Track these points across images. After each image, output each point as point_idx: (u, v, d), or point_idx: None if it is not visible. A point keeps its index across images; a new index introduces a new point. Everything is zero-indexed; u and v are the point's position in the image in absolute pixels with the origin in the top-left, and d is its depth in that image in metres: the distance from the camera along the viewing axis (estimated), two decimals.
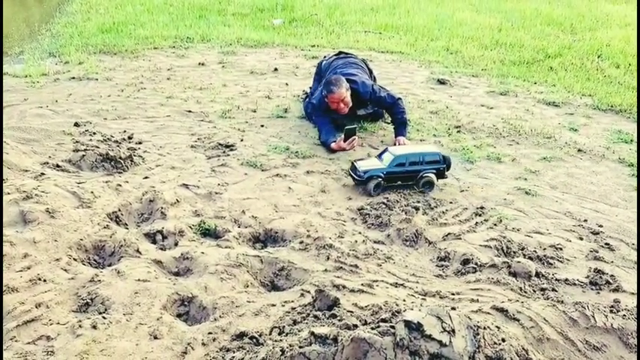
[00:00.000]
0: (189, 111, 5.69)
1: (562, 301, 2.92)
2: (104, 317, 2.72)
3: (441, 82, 7.07)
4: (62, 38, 8.51)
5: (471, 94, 6.73)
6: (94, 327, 2.64)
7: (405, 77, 7.29)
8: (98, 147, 4.61)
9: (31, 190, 3.73)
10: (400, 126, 5.17)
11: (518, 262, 3.21)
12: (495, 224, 3.83)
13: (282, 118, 5.66)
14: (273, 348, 2.36)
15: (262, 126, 5.44)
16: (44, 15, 10.33)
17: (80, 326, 2.64)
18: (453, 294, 3.05)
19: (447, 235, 3.64)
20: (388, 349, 2.30)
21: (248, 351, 2.52)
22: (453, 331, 2.35)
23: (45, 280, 2.95)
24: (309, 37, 9.26)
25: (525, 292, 3.04)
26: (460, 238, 3.62)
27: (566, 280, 3.19)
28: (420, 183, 4.19)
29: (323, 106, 5.16)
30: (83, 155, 4.40)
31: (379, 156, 4.29)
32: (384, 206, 3.96)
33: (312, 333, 2.40)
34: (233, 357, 2.49)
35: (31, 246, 3.21)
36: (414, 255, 3.48)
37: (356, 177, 4.14)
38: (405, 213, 3.82)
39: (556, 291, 3.08)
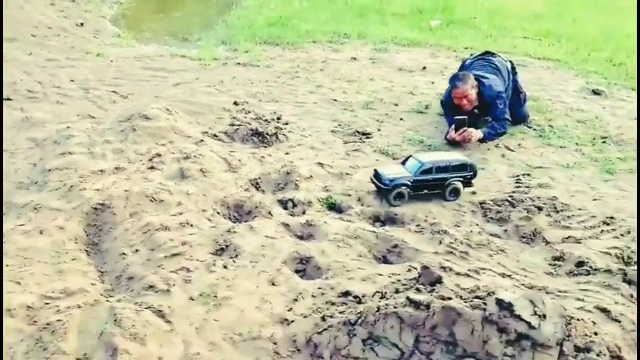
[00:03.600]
0: (335, 100, 6.09)
1: None
2: (234, 261, 3.16)
3: (596, 92, 6.77)
4: (235, 29, 9.38)
5: (627, 107, 6.38)
6: (225, 267, 3.09)
7: (558, 85, 7.08)
8: (250, 123, 5.15)
9: (191, 152, 4.34)
10: (490, 129, 5.10)
11: (634, 269, 3.14)
12: (623, 234, 3.71)
13: (421, 114, 5.84)
14: (371, 305, 2.61)
15: (401, 119, 5.67)
16: (222, 7, 11.38)
17: (214, 264, 3.11)
18: (559, 291, 3.06)
19: (567, 238, 3.62)
20: (476, 321, 2.45)
21: (349, 307, 2.80)
22: (544, 316, 2.44)
23: (192, 225, 3.48)
24: (464, 39, 9.27)
25: (638, 299, 2.97)
26: (580, 242, 3.58)
27: None
28: (447, 191, 4.03)
29: (450, 103, 5.25)
30: (237, 129, 4.97)
31: (403, 162, 4.18)
32: (507, 203, 4.01)
33: (408, 297, 2.62)
34: (336, 309, 2.78)
35: (185, 197, 3.77)
36: (529, 252, 3.52)
37: (381, 185, 3.98)
38: (528, 212, 3.84)
39: None
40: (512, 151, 5.05)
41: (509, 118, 5.20)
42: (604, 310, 2.78)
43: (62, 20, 8.66)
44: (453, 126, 4.96)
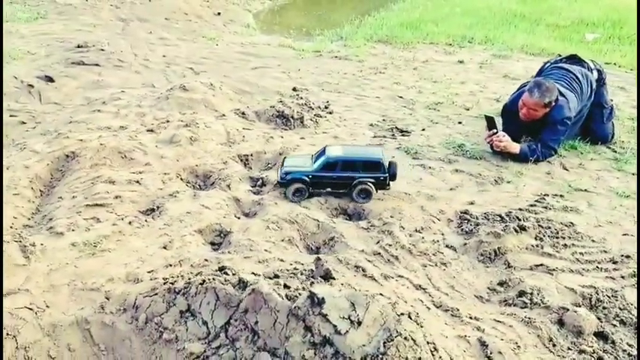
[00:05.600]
0: (400, 97, 5.72)
1: None
2: (146, 220, 3.14)
3: None
4: (363, 27, 9.32)
5: None
6: (130, 223, 3.08)
7: None
8: (290, 107, 5.06)
9: (200, 123, 4.40)
10: (530, 150, 4.29)
11: (575, 311, 2.45)
12: (623, 277, 2.92)
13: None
14: (198, 278, 2.40)
15: (459, 122, 5.13)
16: (370, 8, 11.30)
17: (123, 219, 3.11)
18: (470, 317, 2.51)
19: (537, 266, 2.95)
20: (281, 312, 2.14)
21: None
22: (360, 323, 2.04)
23: (140, 184, 3.53)
24: (610, 54, 8.08)
25: (553, 345, 2.32)
26: (551, 274, 2.89)
27: None
28: (354, 192, 3.49)
29: (513, 108, 4.55)
30: (266, 110, 4.92)
31: (317, 155, 3.63)
32: (498, 218, 3.40)
33: (240, 278, 2.36)
34: (195, 279, 2.61)
35: (157, 159, 3.85)
36: (477, 272, 2.94)
37: (278, 178, 3.57)
38: (504, 230, 3.21)
39: None
40: (566, 170, 4.28)
41: (557, 149, 4.37)
42: (483, 344, 2.22)
43: (202, 9, 9.39)
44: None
